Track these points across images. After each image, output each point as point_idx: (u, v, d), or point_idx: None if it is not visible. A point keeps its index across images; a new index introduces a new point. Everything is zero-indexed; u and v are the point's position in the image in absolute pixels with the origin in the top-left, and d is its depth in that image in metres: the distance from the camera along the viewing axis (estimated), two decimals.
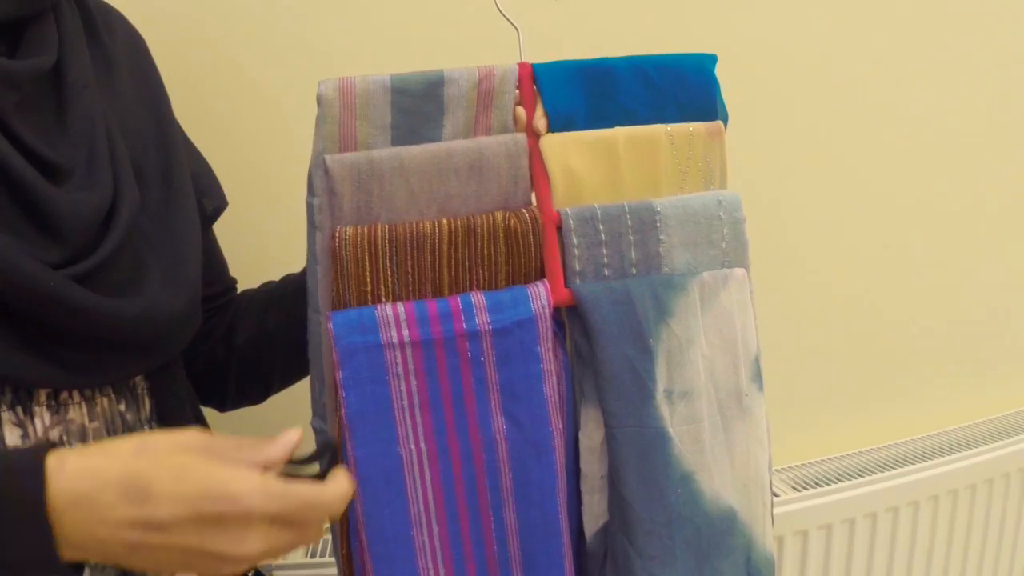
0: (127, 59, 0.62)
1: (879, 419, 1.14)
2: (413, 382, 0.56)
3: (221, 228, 0.71)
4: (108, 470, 0.40)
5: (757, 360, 0.61)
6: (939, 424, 1.16)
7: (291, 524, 0.43)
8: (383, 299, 0.57)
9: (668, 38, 0.94)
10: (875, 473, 1.01)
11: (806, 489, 0.97)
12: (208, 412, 0.69)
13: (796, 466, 1.04)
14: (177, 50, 0.69)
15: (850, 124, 1.08)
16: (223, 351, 0.69)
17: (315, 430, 0.62)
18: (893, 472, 1.01)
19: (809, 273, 1.08)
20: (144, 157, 0.59)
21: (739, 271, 0.61)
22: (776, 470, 1.02)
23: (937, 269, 1.16)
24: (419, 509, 0.56)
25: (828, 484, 0.98)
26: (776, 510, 0.91)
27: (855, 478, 0.99)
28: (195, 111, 0.72)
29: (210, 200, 0.67)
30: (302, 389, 0.62)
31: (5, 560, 0.39)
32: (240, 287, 0.73)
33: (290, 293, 0.68)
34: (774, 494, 0.94)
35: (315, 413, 0.61)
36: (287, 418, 0.78)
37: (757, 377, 0.61)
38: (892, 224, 1.12)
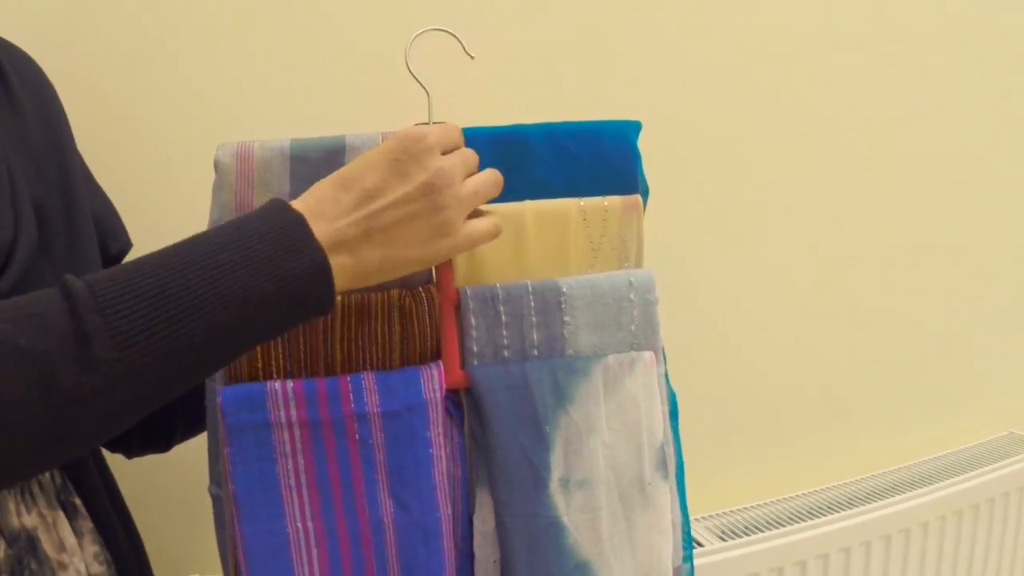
0: (32, 101, 0.60)
1: (806, 463, 1.13)
2: (301, 461, 0.54)
3: None
4: (319, 186, 0.49)
5: (662, 448, 0.60)
6: (868, 468, 1.15)
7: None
8: (274, 375, 0.55)
9: (591, 105, 0.91)
10: (804, 520, 0.99)
11: (732, 538, 0.95)
12: (113, 459, 0.68)
13: (721, 513, 1.02)
14: (79, 104, 0.67)
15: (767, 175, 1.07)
16: None
17: (212, 496, 0.60)
18: (823, 519, 0.99)
19: (728, 317, 1.07)
20: (48, 199, 0.57)
21: (647, 354, 0.60)
22: (699, 518, 1.01)
23: (855, 317, 1.15)
24: None
25: (755, 532, 0.96)
26: (700, 560, 0.91)
27: (783, 525, 0.97)
28: (99, 151, 0.69)
29: (115, 241, 0.66)
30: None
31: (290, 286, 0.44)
32: None
33: None
34: (698, 544, 0.93)
35: (212, 479, 0.60)
36: (191, 473, 0.77)
37: (662, 466, 0.60)
38: (813, 272, 1.12)
